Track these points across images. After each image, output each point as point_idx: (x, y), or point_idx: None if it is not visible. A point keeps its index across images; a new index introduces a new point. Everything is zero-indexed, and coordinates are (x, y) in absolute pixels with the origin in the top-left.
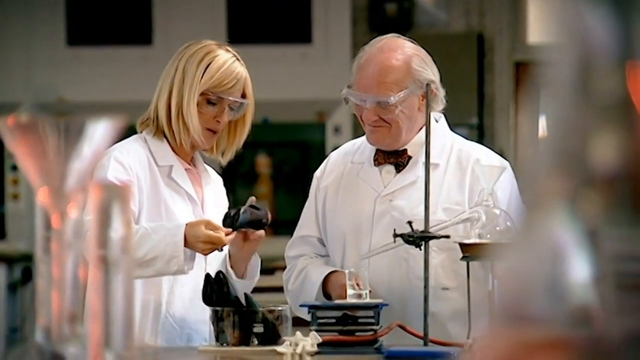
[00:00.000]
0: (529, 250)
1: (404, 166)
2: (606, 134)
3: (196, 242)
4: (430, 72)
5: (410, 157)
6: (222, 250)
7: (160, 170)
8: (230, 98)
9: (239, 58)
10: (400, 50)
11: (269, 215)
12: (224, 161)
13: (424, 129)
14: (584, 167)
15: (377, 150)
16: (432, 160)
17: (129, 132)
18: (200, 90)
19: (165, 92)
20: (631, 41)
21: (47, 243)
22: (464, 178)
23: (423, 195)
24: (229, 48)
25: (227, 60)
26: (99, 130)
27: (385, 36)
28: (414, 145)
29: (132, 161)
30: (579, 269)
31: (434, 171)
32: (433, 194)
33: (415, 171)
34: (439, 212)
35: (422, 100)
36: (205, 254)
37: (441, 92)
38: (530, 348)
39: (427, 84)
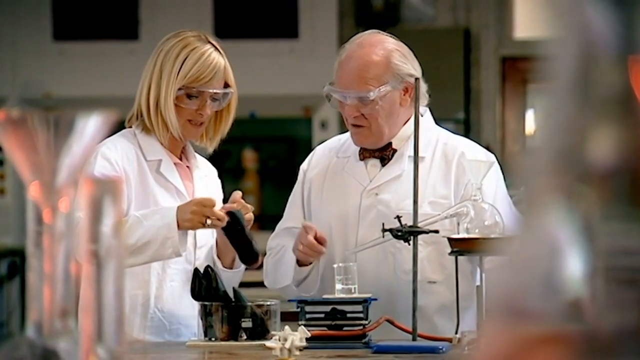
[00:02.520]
0: (526, 245)
1: (389, 159)
2: (605, 128)
3: (186, 213)
4: (410, 66)
5: (395, 151)
6: (209, 224)
7: (148, 165)
8: (210, 90)
9: (218, 48)
10: (380, 46)
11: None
12: (210, 148)
13: (408, 124)
14: (581, 162)
15: None
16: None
17: (116, 127)
18: (177, 86)
19: (145, 87)
20: (633, 35)
21: (39, 238)
22: (449, 171)
23: (409, 189)
24: (209, 38)
25: (204, 53)
26: (90, 124)
27: (365, 32)
28: (399, 139)
29: (119, 157)
30: (575, 264)
31: (419, 165)
32: (419, 187)
33: (400, 165)
34: (425, 206)
35: (404, 95)
36: (196, 226)
37: (423, 87)
38: (528, 343)
39: (416, 79)
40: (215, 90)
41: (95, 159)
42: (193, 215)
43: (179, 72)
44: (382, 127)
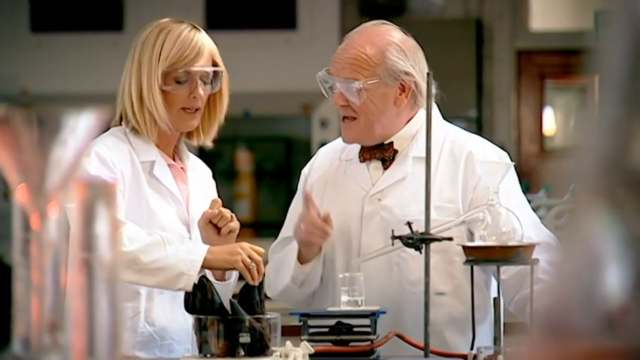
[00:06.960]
0: (568, 257)
1: (391, 161)
2: None
3: (234, 248)
4: (408, 64)
5: (396, 151)
6: (253, 268)
7: (142, 166)
8: (197, 68)
9: (197, 27)
10: (380, 37)
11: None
12: (208, 142)
13: (412, 122)
14: (626, 167)
15: (362, 146)
16: (422, 154)
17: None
18: (160, 72)
19: (126, 84)
20: None
21: (26, 246)
22: (456, 173)
23: (413, 192)
24: (185, 20)
25: (183, 31)
26: (81, 122)
27: (373, 21)
28: (401, 139)
29: (114, 157)
30: (618, 276)
31: (424, 166)
32: (424, 191)
33: (403, 167)
34: (432, 211)
35: (400, 94)
36: (239, 265)
37: (425, 87)
38: None
39: (428, 73)
40: (204, 69)
41: (90, 160)
42: (243, 252)
43: (159, 57)
44: (372, 123)
